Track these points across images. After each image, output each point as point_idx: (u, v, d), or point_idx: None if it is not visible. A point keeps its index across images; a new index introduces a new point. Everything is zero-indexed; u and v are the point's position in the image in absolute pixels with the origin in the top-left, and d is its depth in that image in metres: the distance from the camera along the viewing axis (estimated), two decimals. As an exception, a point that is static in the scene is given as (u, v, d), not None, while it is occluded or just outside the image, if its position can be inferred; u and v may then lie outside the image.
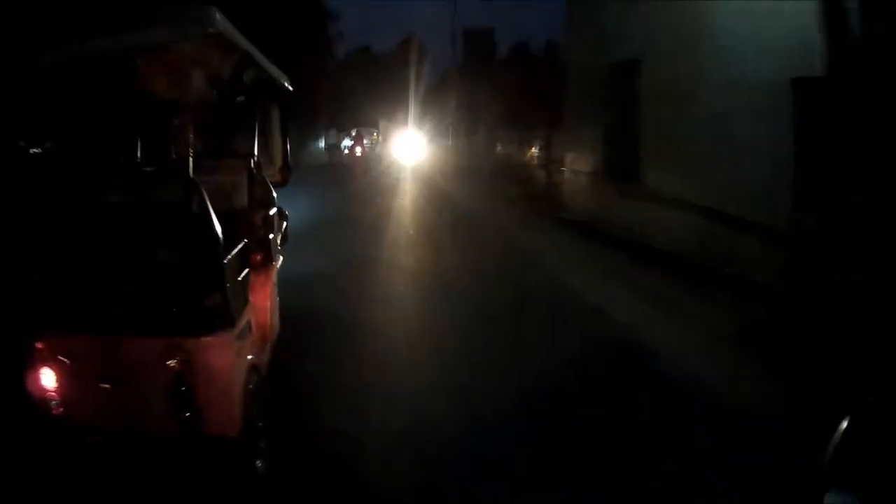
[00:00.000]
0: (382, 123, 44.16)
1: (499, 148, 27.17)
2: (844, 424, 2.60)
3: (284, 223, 5.63)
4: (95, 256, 3.08)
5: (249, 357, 3.57)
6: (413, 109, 39.13)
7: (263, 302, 4.34)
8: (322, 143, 37.35)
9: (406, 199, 18.75)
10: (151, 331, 3.06)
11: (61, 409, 3.20)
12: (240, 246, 3.61)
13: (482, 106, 29.63)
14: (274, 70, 4.56)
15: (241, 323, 3.43)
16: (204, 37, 2.92)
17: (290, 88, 5.14)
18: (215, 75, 3.44)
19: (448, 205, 17.40)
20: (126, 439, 3.31)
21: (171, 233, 2.98)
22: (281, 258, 5.33)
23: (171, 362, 3.04)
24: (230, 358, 3.17)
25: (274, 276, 4.77)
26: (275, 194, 5.03)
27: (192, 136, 2.99)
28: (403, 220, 14.26)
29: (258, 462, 3.64)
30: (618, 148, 11.44)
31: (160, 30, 2.87)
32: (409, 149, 33.47)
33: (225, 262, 3.11)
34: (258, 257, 4.47)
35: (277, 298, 4.97)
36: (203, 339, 3.04)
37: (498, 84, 29.06)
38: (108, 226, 3.05)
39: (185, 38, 2.88)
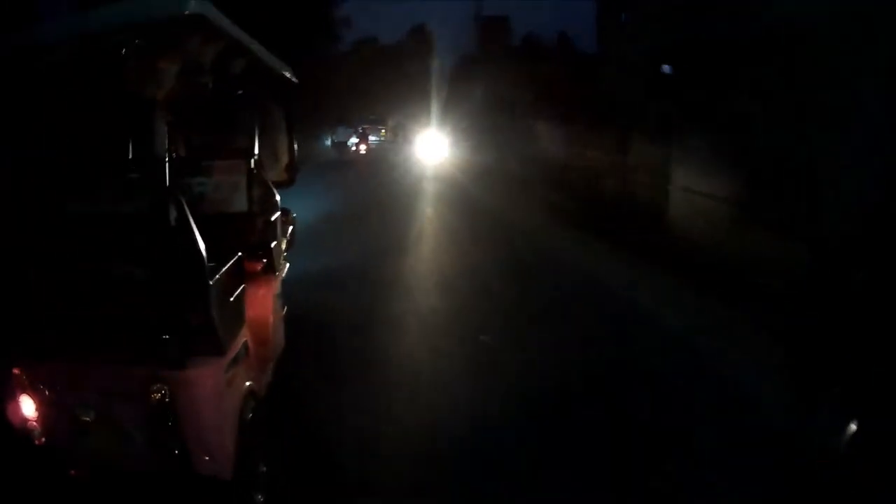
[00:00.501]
0: (394, 119, 43.09)
1: (537, 148, 22.11)
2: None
3: (290, 227, 5.25)
4: (66, 276, 2.72)
5: (247, 384, 3.19)
6: (429, 103, 37.82)
7: (264, 317, 3.96)
8: (329, 141, 36.12)
9: (435, 227, 12.10)
10: (130, 359, 2.70)
11: (43, 440, 2.89)
12: (233, 259, 3.22)
13: (511, 100, 26.30)
14: (274, 60, 4.16)
15: (235, 348, 3.05)
16: (185, 21, 2.53)
17: (295, 80, 4.73)
18: (202, 67, 3.05)
19: (501, 239, 10.54)
20: (110, 475, 3.01)
21: (146, 249, 2.60)
22: (287, 265, 4.95)
23: (154, 395, 2.69)
24: (219, 390, 2.80)
25: (277, 287, 4.39)
26: (278, 196, 4.64)
27: (169, 136, 2.60)
28: (430, 274, 8.35)
29: (259, 497, 3.29)
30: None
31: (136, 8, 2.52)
32: (431, 148, 30.75)
33: (211, 281, 2.72)
34: (258, 267, 4.08)
35: (283, 311, 4.59)
36: (186, 370, 2.66)
37: (526, 76, 25.83)
38: (78, 242, 2.69)
39: (162, 19, 2.51)
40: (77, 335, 2.75)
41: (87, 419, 2.78)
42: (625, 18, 11.48)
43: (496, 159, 23.84)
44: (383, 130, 42.04)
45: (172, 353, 2.63)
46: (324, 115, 31.56)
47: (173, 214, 2.58)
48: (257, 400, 3.38)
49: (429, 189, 18.54)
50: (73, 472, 3.00)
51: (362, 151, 33.60)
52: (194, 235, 2.62)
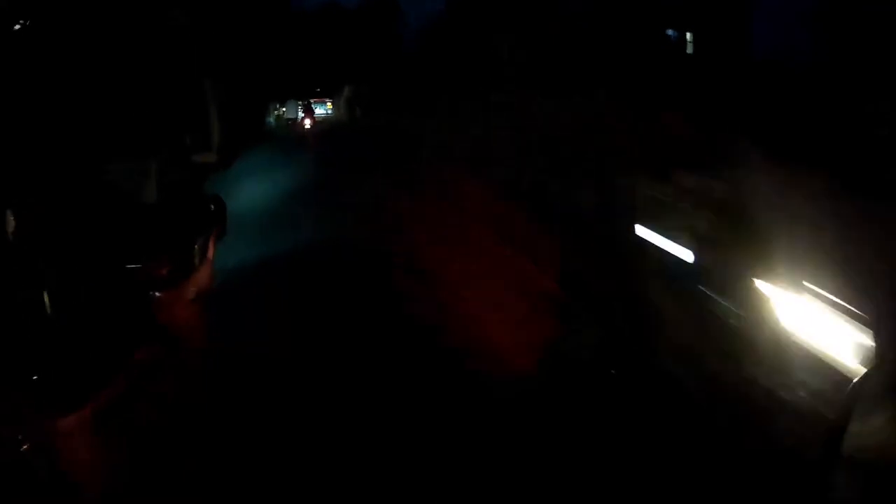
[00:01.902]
0: (351, 88, 40.53)
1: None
2: None
3: (216, 219, 4.47)
4: None
5: None
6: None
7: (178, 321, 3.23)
8: (272, 118, 34.10)
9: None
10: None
11: None
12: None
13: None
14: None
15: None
16: None
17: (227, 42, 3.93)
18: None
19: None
20: None
21: None
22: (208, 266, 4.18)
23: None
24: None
25: (189, 292, 3.63)
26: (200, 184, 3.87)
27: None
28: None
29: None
30: None
31: None
32: None
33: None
34: (162, 271, 3.32)
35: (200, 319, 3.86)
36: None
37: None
38: None
39: None
40: None
41: None
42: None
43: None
44: (329, 103, 41.30)
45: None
46: (279, 89, 30.20)
47: (10, 226, 1.82)
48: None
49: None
50: None
51: (307, 126, 32.76)
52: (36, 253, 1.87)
